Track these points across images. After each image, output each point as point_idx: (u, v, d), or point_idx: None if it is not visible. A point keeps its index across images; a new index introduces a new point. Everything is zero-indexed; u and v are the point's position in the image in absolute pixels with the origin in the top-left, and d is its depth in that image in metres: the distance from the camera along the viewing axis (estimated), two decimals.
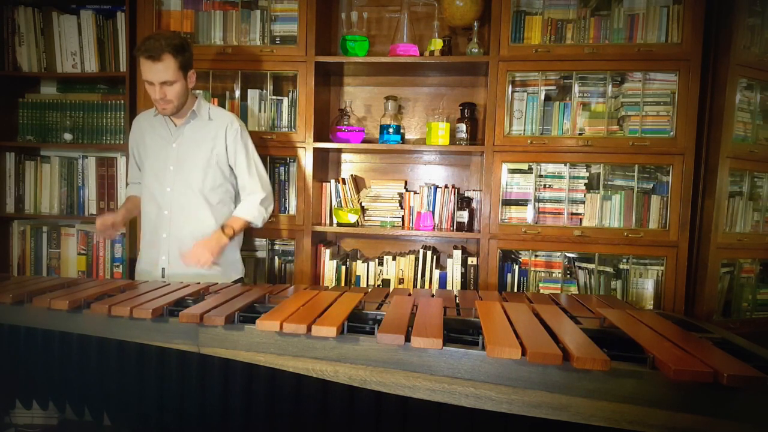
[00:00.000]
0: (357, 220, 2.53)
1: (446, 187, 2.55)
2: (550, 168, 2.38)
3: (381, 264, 2.52)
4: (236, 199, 2.12)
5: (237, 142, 2.02)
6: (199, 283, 1.77)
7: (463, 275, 2.46)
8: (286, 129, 2.51)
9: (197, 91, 2.31)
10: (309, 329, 1.24)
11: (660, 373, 1.07)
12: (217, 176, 2.02)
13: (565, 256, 2.38)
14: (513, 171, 2.40)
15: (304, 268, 2.46)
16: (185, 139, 2.00)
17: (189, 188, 1.98)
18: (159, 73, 1.82)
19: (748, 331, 2.27)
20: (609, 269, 2.38)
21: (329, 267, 2.53)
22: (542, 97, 2.37)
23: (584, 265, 2.41)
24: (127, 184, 2.25)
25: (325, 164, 2.72)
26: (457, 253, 2.46)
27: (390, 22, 2.64)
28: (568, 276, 2.40)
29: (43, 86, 2.76)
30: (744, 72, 2.22)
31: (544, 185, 2.39)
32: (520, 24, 2.32)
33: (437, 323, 1.26)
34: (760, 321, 2.40)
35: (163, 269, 2.01)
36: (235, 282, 2.01)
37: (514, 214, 2.41)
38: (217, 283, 1.79)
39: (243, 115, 2.51)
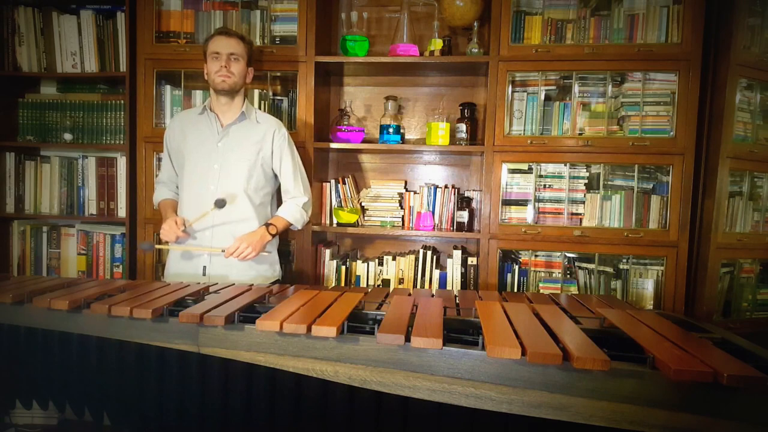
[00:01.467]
0: (357, 220, 2.53)
1: (446, 187, 2.55)
2: (550, 168, 2.38)
3: (381, 264, 2.52)
4: (273, 202, 2.17)
5: (284, 147, 2.06)
6: (199, 283, 1.77)
7: (463, 275, 2.46)
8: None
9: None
10: (309, 329, 1.24)
11: (660, 373, 1.07)
12: (261, 178, 2.05)
13: (565, 256, 2.38)
14: (513, 171, 2.40)
15: (304, 268, 2.46)
16: (232, 139, 2.01)
17: (233, 187, 2.00)
18: (229, 46, 1.94)
19: (748, 331, 2.27)
20: (609, 269, 2.38)
21: (329, 267, 2.53)
22: (542, 97, 2.37)
23: (584, 265, 2.41)
24: (152, 183, 2.28)
25: (325, 164, 2.72)
26: (457, 253, 2.47)
27: (390, 22, 2.64)
28: (568, 276, 2.40)
29: (43, 86, 2.76)
30: (744, 72, 2.22)
31: (544, 185, 2.39)
32: (520, 24, 2.33)
33: (437, 323, 1.26)
34: (760, 321, 2.40)
35: (205, 267, 2.01)
36: (273, 283, 2.02)
37: (514, 214, 2.41)
38: (216, 283, 1.79)
39: None
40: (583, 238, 2.31)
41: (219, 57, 1.93)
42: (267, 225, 2.00)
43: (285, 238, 2.53)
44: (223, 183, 1.99)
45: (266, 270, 2.09)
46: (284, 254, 2.61)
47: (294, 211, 2.08)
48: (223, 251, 1.93)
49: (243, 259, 1.93)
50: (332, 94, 2.74)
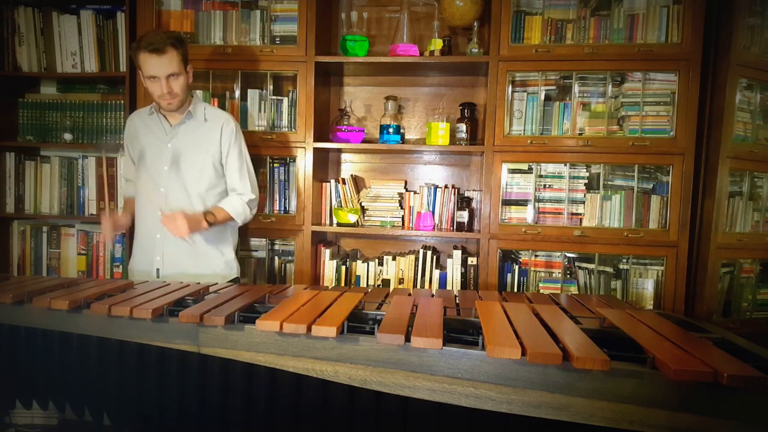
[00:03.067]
0: (357, 220, 2.53)
1: (446, 187, 2.55)
2: (550, 168, 2.38)
3: (381, 264, 2.52)
4: (221, 198, 2.10)
5: (231, 142, 2.01)
6: (199, 283, 1.77)
7: (463, 275, 2.46)
8: (286, 129, 2.51)
9: (197, 92, 2.30)
10: (309, 329, 1.24)
11: (660, 373, 1.07)
12: (213, 177, 2.01)
13: (565, 256, 2.38)
14: (513, 171, 2.40)
15: (304, 268, 2.46)
16: (180, 139, 1.99)
17: (184, 189, 1.98)
18: (165, 66, 1.82)
19: (748, 331, 2.26)
20: (609, 269, 2.38)
21: (329, 267, 2.53)
22: (542, 97, 2.37)
23: (584, 265, 2.41)
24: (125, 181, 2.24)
25: (325, 164, 2.72)
26: (457, 253, 2.46)
27: (390, 22, 2.64)
28: (568, 276, 2.40)
29: (43, 86, 2.76)
30: (744, 72, 2.22)
31: (544, 185, 2.39)
32: (520, 24, 2.32)
33: (437, 323, 1.26)
34: (760, 321, 2.39)
35: (158, 270, 2.00)
36: (231, 282, 2.01)
37: (514, 214, 2.41)
38: (216, 283, 1.79)
39: (243, 115, 2.51)
40: (583, 238, 2.31)
41: (158, 80, 1.83)
42: (205, 213, 1.92)
43: (284, 237, 2.54)
44: (173, 185, 1.97)
45: (224, 269, 2.07)
46: (284, 254, 2.61)
47: (237, 205, 2.00)
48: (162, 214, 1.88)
49: (174, 233, 1.84)
50: (332, 94, 2.74)
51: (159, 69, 1.82)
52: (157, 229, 1.98)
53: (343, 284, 2.53)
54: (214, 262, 2.04)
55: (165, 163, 1.98)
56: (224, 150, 2.01)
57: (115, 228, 2.00)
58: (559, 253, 2.38)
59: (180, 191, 1.97)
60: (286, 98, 2.51)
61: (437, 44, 2.43)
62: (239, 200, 2.02)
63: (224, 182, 2.06)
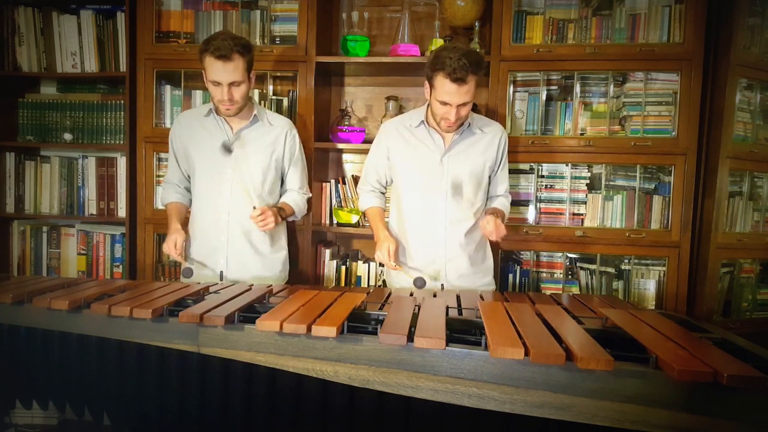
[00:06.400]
0: (357, 221, 2.53)
1: None
2: (551, 168, 2.37)
3: (382, 264, 2.51)
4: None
5: (294, 148, 2.09)
6: (199, 283, 1.76)
7: None
8: None
9: (254, 94, 2.32)
10: (309, 329, 1.24)
11: (663, 373, 1.07)
12: (274, 179, 2.07)
13: (567, 256, 2.38)
14: (514, 171, 2.39)
15: (304, 268, 2.46)
16: (244, 142, 2.00)
17: (247, 192, 1.99)
18: (229, 74, 1.80)
19: (748, 331, 2.26)
20: (611, 270, 2.38)
21: (329, 267, 2.52)
22: (544, 97, 2.37)
23: (586, 265, 2.40)
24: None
25: (325, 164, 2.71)
26: None
27: (391, 22, 2.64)
28: (570, 277, 2.40)
29: (43, 86, 2.76)
30: (744, 72, 2.22)
31: (546, 185, 2.39)
32: (521, 24, 2.32)
33: (440, 323, 1.26)
34: (760, 321, 2.39)
35: (222, 272, 2.00)
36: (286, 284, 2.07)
37: (515, 214, 2.40)
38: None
39: None
40: (585, 239, 2.31)
41: (220, 86, 1.83)
42: (278, 209, 1.97)
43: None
44: (236, 187, 1.98)
45: (281, 271, 2.11)
46: None
47: (299, 200, 2.11)
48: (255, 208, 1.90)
49: (263, 227, 1.89)
50: (333, 94, 2.74)
51: (223, 76, 1.80)
52: (221, 232, 1.98)
53: (343, 284, 2.52)
54: (275, 264, 2.08)
55: (228, 167, 1.98)
56: (287, 153, 2.07)
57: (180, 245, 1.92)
58: (561, 254, 2.37)
59: (242, 193, 1.98)
60: (286, 98, 2.51)
61: (438, 44, 2.42)
62: (301, 197, 2.13)
63: (280, 184, 2.13)
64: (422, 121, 1.92)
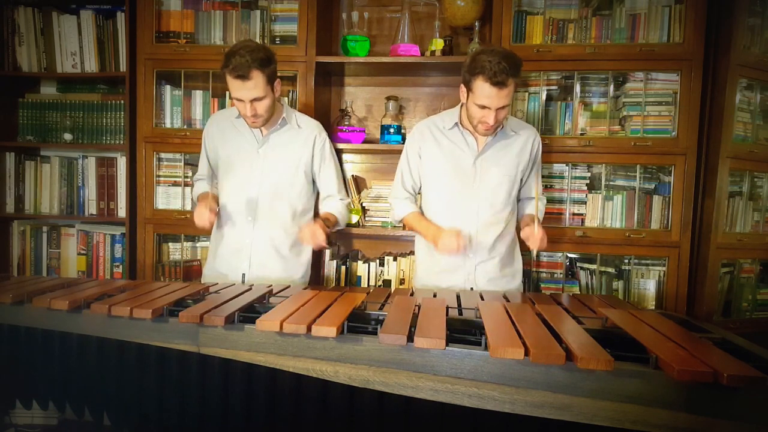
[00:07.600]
0: (358, 221, 2.53)
1: None
2: (551, 168, 2.37)
3: (382, 264, 2.51)
4: (309, 205, 2.13)
5: (325, 150, 2.06)
6: (199, 283, 1.76)
7: None
8: None
9: (284, 98, 2.30)
10: (309, 329, 1.24)
11: (663, 373, 1.07)
12: (303, 183, 2.04)
13: (567, 256, 2.38)
14: None
15: None
16: (273, 145, 1.99)
17: (276, 195, 1.99)
18: (249, 92, 1.79)
19: (748, 331, 2.26)
20: (611, 270, 2.38)
21: (329, 267, 2.52)
22: (544, 97, 2.37)
23: (586, 265, 2.40)
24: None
25: None
26: None
27: (391, 22, 2.64)
28: (570, 277, 2.39)
29: (43, 86, 2.76)
30: (744, 72, 2.22)
31: (546, 185, 2.38)
32: (521, 24, 2.32)
33: (440, 323, 1.26)
34: (760, 321, 2.39)
35: (243, 275, 2.00)
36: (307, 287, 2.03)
37: None
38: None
39: None
40: (585, 239, 2.31)
41: (242, 102, 1.82)
42: (324, 221, 1.94)
43: None
44: (264, 190, 1.98)
45: (302, 275, 2.09)
46: None
47: (342, 209, 2.08)
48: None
49: (317, 246, 1.90)
50: (333, 94, 2.74)
51: (243, 93, 1.80)
52: (246, 235, 1.98)
53: (343, 284, 2.52)
54: (298, 268, 2.06)
55: (257, 169, 1.98)
56: (317, 157, 2.04)
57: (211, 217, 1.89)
58: (561, 254, 2.37)
59: (270, 196, 1.98)
60: (286, 98, 2.51)
61: (438, 44, 2.43)
62: (342, 205, 2.09)
63: (312, 189, 2.10)
64: (456, 123, 1.90)
